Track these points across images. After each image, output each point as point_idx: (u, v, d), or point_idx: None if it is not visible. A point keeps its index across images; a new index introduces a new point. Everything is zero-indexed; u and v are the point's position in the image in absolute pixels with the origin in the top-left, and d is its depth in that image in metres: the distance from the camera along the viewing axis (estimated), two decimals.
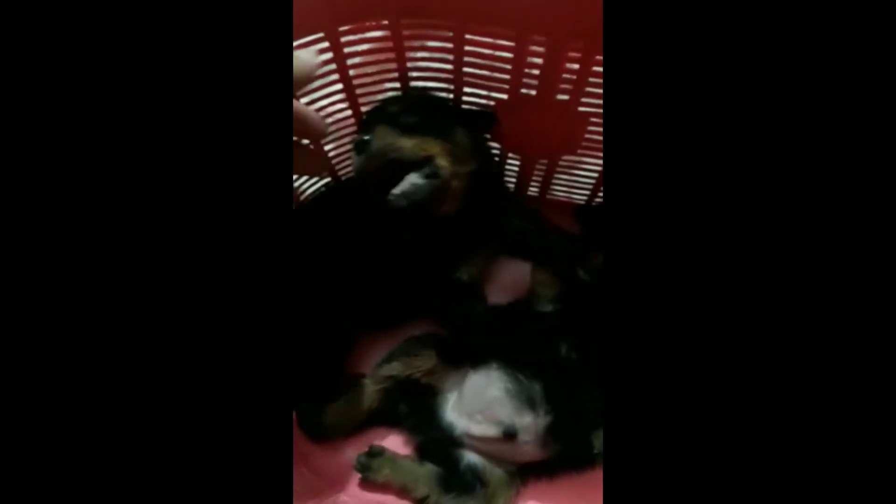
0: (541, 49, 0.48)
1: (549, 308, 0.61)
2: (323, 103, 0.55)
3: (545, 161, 0.64)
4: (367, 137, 0.49)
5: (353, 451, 0.57)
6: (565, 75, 0.50)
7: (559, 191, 0.70)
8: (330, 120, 0.57)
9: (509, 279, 0.67)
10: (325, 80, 0.52)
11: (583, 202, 0.70)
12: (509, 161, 0.65)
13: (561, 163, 0.63)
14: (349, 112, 0.57)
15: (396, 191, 0.48)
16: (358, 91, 0.55)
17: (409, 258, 0.59)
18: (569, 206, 0.70)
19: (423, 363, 0.57)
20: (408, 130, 0.50)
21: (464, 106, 0.57)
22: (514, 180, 0.68)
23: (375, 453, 0.56)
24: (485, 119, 0.57)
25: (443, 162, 0.50)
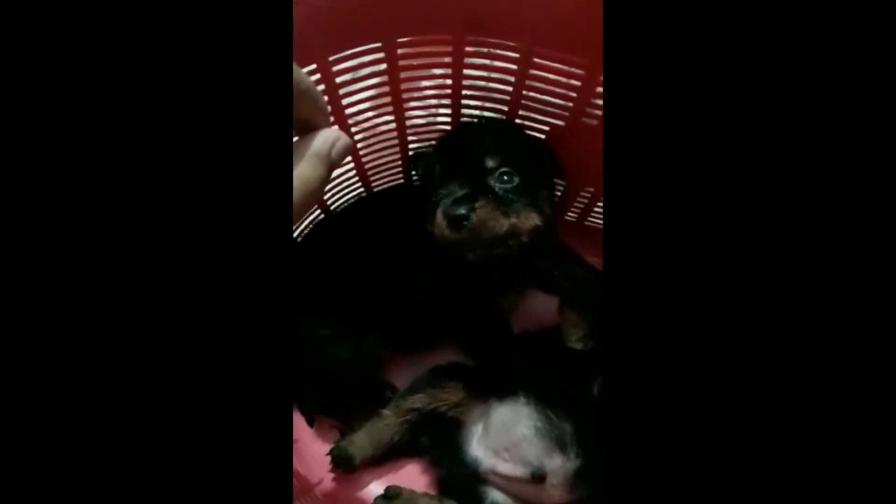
0: None
1: (579, 346, 0.58)
2: (369, 114, 0.51)
3: (591, 189, 0.61)
4: (463, 211, 0.45)
5: (372, 479, 0.55)
6: None
7: (598, 218, 0.67)
8: (373, 131, 0.54)
9: (538, 308, 0.64)
10: (377, 90, 0.49)
11: None
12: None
13: None
14: (393, 125, 0.54)
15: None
16: (406, 105, 0.52)
17: (442, 282, 0.56)
18: None
19: (450, 396, 0.55)
20: (505, 203, 0.48)
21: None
22: None
23: (393, 495, 0.52)
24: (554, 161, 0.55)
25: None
